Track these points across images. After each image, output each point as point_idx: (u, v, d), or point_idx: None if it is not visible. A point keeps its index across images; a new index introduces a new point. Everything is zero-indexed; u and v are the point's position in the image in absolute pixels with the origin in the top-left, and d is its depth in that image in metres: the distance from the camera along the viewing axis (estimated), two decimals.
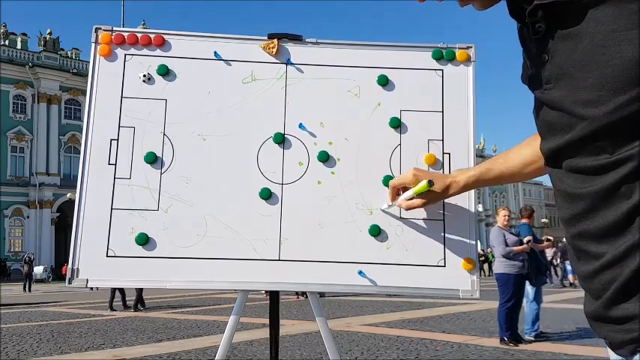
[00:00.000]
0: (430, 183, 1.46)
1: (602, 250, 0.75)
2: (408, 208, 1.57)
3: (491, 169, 1.41)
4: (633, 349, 0.72)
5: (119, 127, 1.71)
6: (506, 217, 7.20)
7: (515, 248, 6.79)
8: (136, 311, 12.62)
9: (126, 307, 13.17)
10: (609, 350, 0.81)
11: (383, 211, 1.68)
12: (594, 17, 0.73)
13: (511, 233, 7.05)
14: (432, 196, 1.51)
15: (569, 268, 19.58)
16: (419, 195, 1.51)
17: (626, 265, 0.71)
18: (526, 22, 0.84)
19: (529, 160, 1.30)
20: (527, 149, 1.30)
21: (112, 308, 13.00)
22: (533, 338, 7.02)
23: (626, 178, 0.72)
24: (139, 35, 1.77)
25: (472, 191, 1.70)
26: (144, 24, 42.94)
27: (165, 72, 1.74)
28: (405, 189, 1.56)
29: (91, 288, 1.69)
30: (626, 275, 0.71)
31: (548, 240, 7.00)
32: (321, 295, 14.26)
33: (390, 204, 1.63)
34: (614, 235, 0.73)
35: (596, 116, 0.73)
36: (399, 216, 1.68)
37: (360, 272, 1.64)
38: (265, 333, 2.02)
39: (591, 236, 0.77)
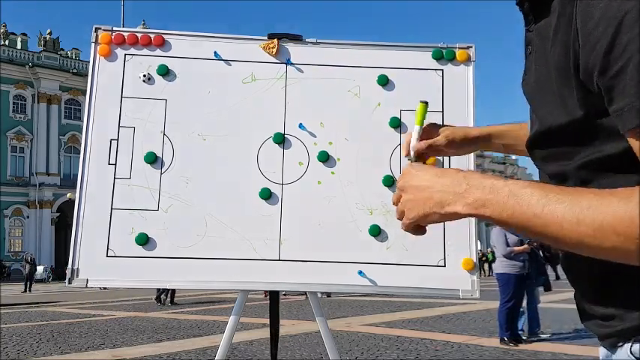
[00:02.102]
0: (424, 101, 1.14)
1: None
2: (417, 153, 1.20)
3: (500, 131, 1.23)
4: (614, 343, 0.74)
5: (119, 127, 1.71)
6: None
7: (516, 248, 6.79)
8: (172, 304, 13.75)
9: (173, 302, 14.11)
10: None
11: (409, 159, 1.48)
12: (554, 23, 0.73)
13: (512, 233, 7.04)
14: (437, 138, 1.20)
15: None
16: (423, 133, 1.19)
17: (600, 266, 0.72)
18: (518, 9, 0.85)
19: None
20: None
21: (161, 302, 13.90)
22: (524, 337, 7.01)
23: (584, 184, 0.71)
24: (139, 35, 1.77)
25: None
26: (144, 24, 42.85)
27: (165, 72, 1.74)
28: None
29: (101, 288, 1.70)
30: (604, 275, 0.72)
31: (529, 243, 7.00)
32: (328, 295, 14.35)
33: (409, 158, 1.35)
34: None
35: (543, 119, 0.75)
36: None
37: (360, 272, 1.64)
38: (265, 333, 2.02)
39: None
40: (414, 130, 1.23)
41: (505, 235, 6.91)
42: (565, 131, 0.72)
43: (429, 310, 10.64)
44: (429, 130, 1.20)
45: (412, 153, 1.25)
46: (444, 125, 1.23)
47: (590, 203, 0.60)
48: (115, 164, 1.69)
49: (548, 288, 7.53)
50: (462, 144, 1.25)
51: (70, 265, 1.63)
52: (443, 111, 1.75)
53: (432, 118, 1.76)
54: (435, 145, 1.21)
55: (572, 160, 0.73)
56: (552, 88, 0.73)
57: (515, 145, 1.22)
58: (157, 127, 1.71)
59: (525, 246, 6.90)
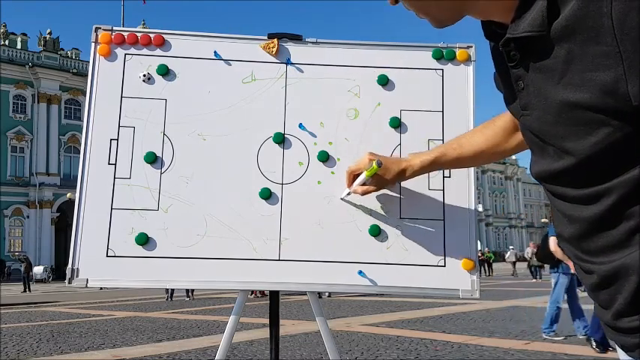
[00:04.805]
0: (379, 163, 1.46)
1: (600, 264, 0.79)
2: (364, 193, 1.58)
3: (446, 154, 1.45)
4: None
5: (119, 127, 1.71)
6: None
7: None
8: (189, 298, 15.34)
9: (187, 296, 15.76)
10: (619, 351, 0.85)
11: (343, 199, 1.68)
12: (561, 54, 0.74)
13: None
14: (386, 180, 1.52)
15: None
16: (373, 178, 1.52)
17: (627, 280, 0.75)
18: (500, 49, 0.86)
19: (480, 148, 1.36)
20: (480, 137, 1.36)
21: (169, 297, 15.39)
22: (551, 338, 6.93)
23: (612, 208, 0.74)
24: (139, 35, 1.77)
25: (472, 191, 1.70)
26: (144, 24, 42.91)
27: (165, 72, 1.74)
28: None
29: (100, 287, 1.69)
30: (630, 290, 0.74)
31: None
32: (329, 294, 14.44)
33: (348, 191, 1.63)
34: (609, 253, 0.77)
35: (575, 150, 0.76)
36: (398, 217, 1.68)
37: (360, 272, 1.64)
38: (265, 333, 2.02)
39: (590, 253, 0.81)
40: (361, 176, 1.52)
41: None
42: (605, 157, 0.73)
43: (429, 310, 10.64)
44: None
45: (346, 192, 1.63)
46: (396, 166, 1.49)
47: None
48: (115, 164, 1.69)
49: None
50: (399, 180, 1.54)
51: (70, 265, 1.63)
52: (443, 111, 1.75)
53: (433, 118, 1.77)
54: (365, 192, 1.56)
55: (611, 180, 0.74)
56: (578, 117, 0.74)
57: (459, 159, 1.43)
58: (157, 127, 1.71)
59: None
